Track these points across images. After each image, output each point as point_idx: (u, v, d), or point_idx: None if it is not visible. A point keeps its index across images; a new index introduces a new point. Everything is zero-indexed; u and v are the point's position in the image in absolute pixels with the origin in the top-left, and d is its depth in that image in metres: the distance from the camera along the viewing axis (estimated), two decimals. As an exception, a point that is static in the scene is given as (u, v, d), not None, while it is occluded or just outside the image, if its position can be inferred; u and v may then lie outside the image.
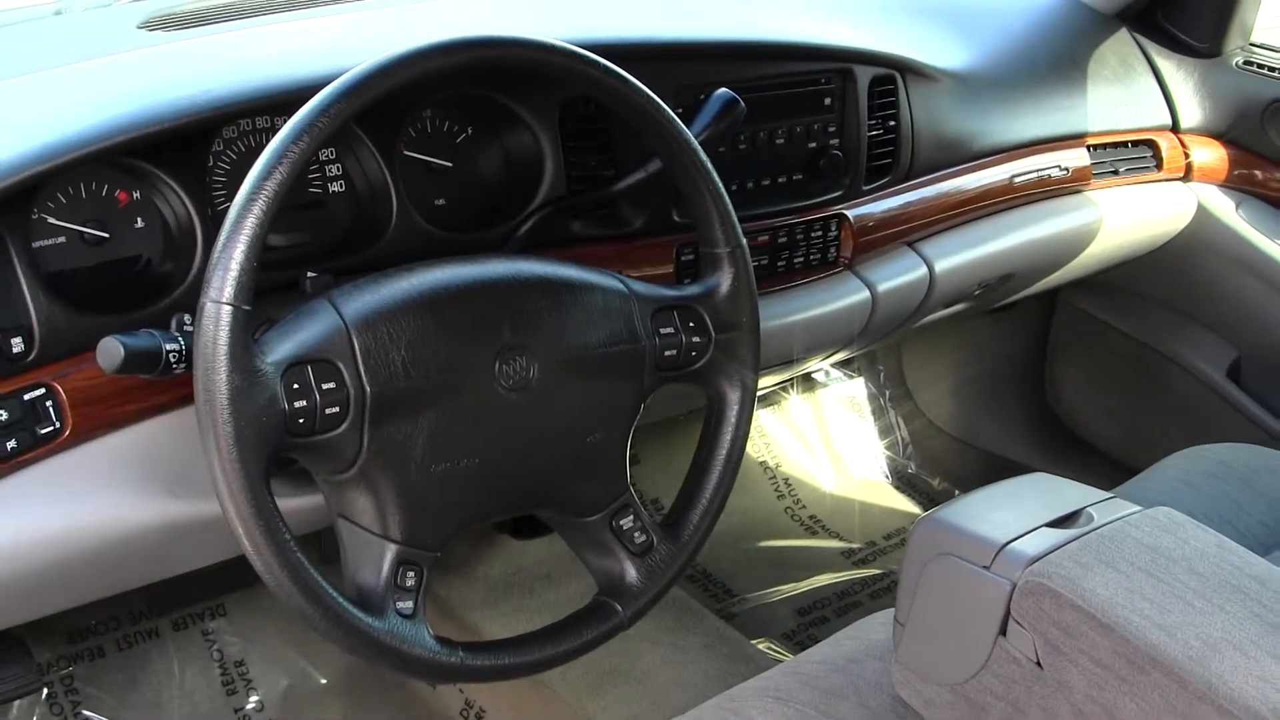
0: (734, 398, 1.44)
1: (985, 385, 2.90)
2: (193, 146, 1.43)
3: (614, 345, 1.35)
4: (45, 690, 2.06)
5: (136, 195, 1.43)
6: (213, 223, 1.41)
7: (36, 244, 1.35)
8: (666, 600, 2.07)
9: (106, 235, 1.42)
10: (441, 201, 1.60)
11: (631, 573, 1.39)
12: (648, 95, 1.36)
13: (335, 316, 1.22)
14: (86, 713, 2.07)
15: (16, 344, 1.29)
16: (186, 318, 1.30)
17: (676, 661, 2.13)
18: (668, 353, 1.39)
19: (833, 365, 2.90)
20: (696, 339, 1.41)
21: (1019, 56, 2.22)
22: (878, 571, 2.59)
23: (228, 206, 1.45)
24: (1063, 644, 1.22)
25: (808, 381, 2.89)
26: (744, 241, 1.43)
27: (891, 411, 2.98)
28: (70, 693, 2.08)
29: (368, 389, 1.20)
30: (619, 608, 1.38)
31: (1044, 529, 1.35)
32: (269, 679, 2.20)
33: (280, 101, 1.45)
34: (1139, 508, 1.38)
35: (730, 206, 1.41)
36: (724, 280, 1.42)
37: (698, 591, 2.46)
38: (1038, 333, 2.83)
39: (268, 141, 1.48)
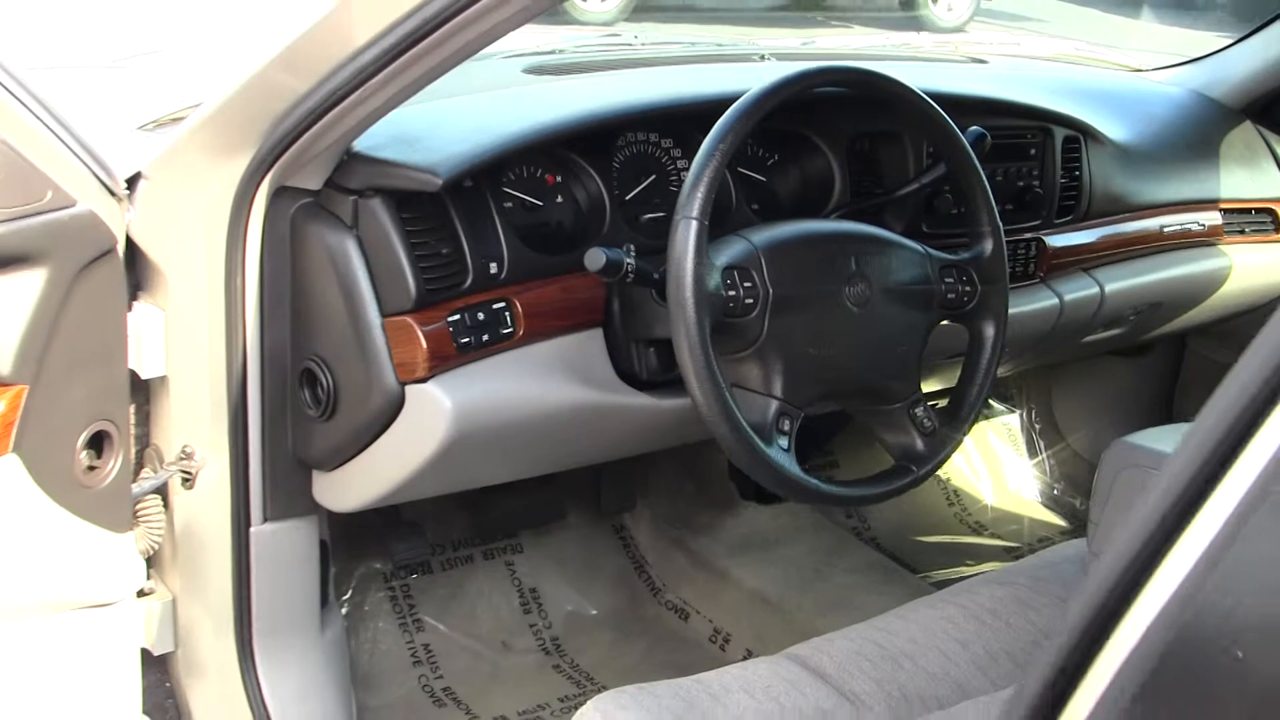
0: (990, 332, 2.00)
1: (1121, 420, 3.42)
2: (602, 146, 2.04)
3: (917, 284, 1.93)
4: (389, 593, 2.62)
5: (559, 179, 2.02)
6: (616, 204, 2.01)
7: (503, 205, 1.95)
8: (877, 566, 2.64)
9: (540, 204, 2.01)
10: (756, 207, 2.19)
11: (921, 446, 1.94)
12: (946, 119, 1.96)
13: (749, 244, 1.81)
14: (421, 615, 2.63)
15: (493, 267, 1.87)
16: (631, 248, 1.87)
17: (889, 605, 2.66)
18: (949, 295, 1.96)
19: (994, 401, 3.47)
20: (968, 289, 1.98)
21: (1165, 136, 2.80)
22: (1037, 563, 3.12)
23: (619, 193, 2.05)
24: None
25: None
26: (1000, 224, 2.00)
27: (1040, 441, 3.52)
28: (407, 598, 2.64)
29: (770, 290, 1.78)
30: (914, 469, 1.93)
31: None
32: (555, 605, 2.74)
33: (660, 116, 2.07)
34: None
35: (993, 200, 2.00)
36: (987, 248, 2.00)
37: (892, 565, 3.00)
38: (1168, 375, 3.37)
39: (649, 151, 2.09)
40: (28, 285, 1.60)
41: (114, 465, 1.80)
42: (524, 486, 2.67)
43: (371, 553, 2.61)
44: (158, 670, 2.15)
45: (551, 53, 2.54)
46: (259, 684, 2.08)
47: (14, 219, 1.55)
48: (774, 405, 1.80)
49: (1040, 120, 2.46)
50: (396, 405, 1.84)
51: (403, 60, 1.54)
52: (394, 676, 2.53)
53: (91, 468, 1.79)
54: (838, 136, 2.22)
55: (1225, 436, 0.80)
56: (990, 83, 2.64)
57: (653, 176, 2.09)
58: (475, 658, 2.61)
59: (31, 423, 1.64)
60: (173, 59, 2.89)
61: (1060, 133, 2.47)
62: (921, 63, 2.93)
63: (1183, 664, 0.82)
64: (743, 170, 2.18)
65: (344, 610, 2.55)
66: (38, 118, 1.60)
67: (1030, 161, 2.44)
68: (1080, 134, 2.52)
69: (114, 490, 1.82)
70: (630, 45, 2.82)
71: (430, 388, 1.82)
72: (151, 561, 2.08)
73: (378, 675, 2.51)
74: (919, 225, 2.27)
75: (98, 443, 1.79)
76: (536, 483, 2.68)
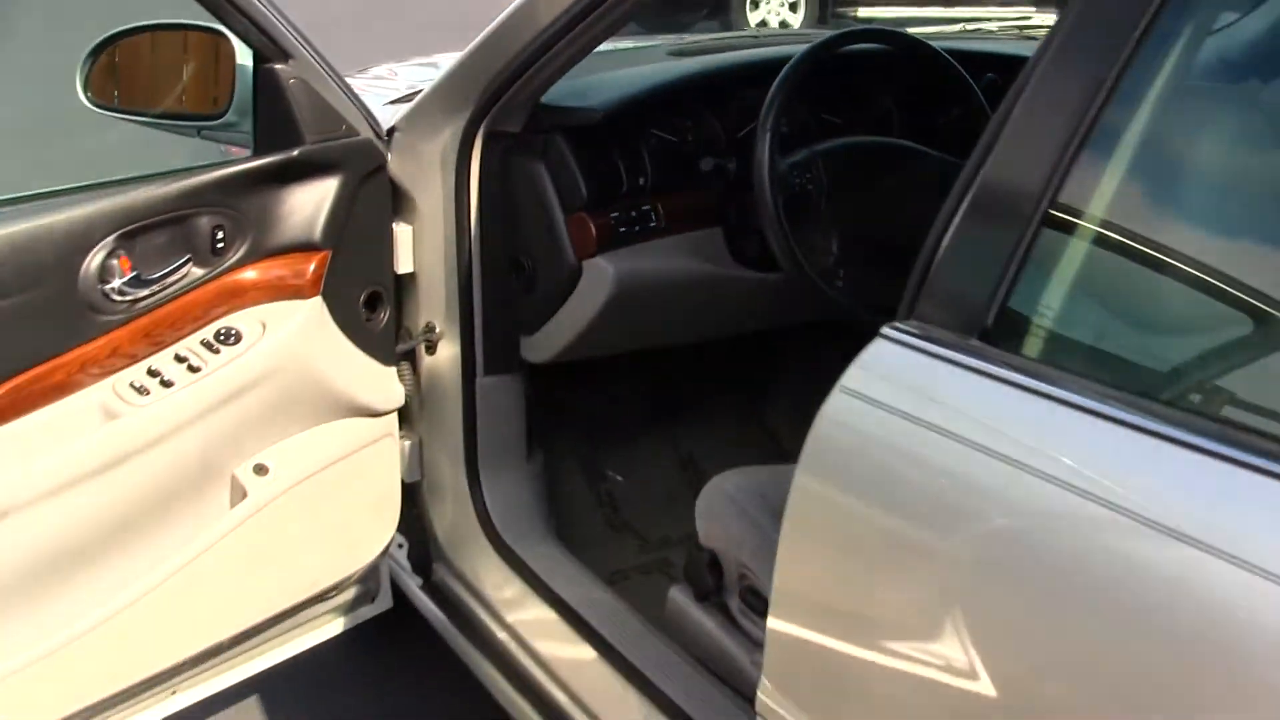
0: None
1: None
2: (721, 101, 2.82)
3: (939, 179, 2.66)
4: (577, 455, 3.39)
5: (689, 122, 2.81)
6: (730, 139, 2.79)
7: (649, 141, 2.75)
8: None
9: (675, 140, 2.79)
10: None
11: None
12: (957, 65, 2.72)
13: (812, 150, 2.58)
14: (603, 470, 3.41)
15: (641, 180, 2.68)
16: (734, 159, 2.65)
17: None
18: None
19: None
20: None
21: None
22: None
23: (734, 135, 2.82)
24: None
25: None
26: None
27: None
28: (591, 457, 3.43)
29: (827, 180, 2.55)
30: None
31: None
32: (709, 466, 3.32)
33: (759, 72, 2.82)
34: None
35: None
36: None
37: None
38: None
39: (756, 104, 2.82)
40: (331, 186, 2.45)
41: (384, 317, 2.63)
42: (680, 380, 3.46)
43: (564, 422, 3.38)
44: (406, 500, 2.87)
45: (693, 42, 3.35)
46: (484, 502, 2.80)
47: (324, 141, 2.42)
48: (833, 258, 2.57)
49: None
50: (576, 276, 2.64)
51: (574, 32, 2.28)
52: (581, 513, 3.29)
53: (368, 319, 2.62)
54: (896, 89, 2.98)
55: None
56: (1023, 48, 3.38)
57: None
58: (645, 502, 3.37)
59: (332, 278, 2.47)
60: (387, 71, 3.82)
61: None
62: (980, 41, 3.66)
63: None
64: (825, 116, 2.94)
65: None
66: (330, 78, 2.44)
67: None
68: (1095, 83, 3.23)
69: (384, 335, 2.64)
70: (756, 36, 3.64)
71: (599, 260, 2.63)
72: (403, 415, 2.80)
73: (568, 511, 3.24)
74: (957, 151, 2.99)
75: (372, 303, 2.62)
76: (690, 376, 3.46)
